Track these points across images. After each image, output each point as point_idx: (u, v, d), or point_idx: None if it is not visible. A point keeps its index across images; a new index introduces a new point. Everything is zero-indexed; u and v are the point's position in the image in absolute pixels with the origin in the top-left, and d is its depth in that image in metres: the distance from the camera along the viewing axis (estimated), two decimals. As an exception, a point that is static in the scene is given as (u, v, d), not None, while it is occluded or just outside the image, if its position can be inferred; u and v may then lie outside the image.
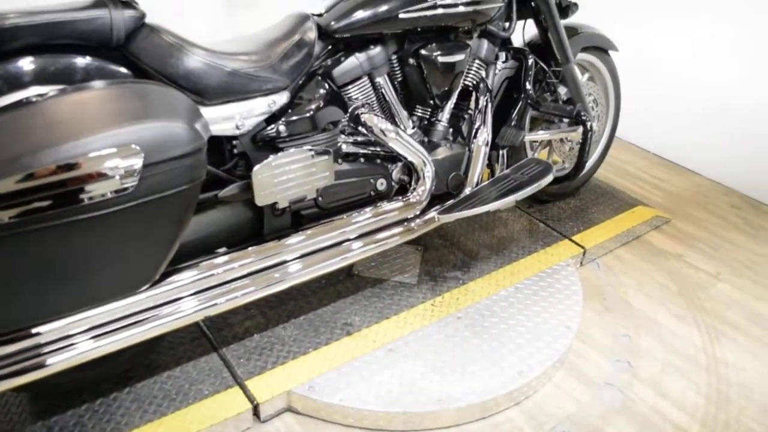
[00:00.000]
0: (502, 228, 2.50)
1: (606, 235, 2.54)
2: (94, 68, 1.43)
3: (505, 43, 2.23)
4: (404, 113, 1.97)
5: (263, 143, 1.66)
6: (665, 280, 2.42)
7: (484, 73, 2.12)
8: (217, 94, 1.54)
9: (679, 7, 3.19)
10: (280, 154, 1.64)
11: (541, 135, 2.37)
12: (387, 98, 1.92)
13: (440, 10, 1.83)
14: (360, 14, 1.77)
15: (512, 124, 2.23)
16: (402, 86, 1.98)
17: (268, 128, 1.66)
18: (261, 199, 1.63)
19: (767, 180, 3.02)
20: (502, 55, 2.19)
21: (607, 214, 2.69)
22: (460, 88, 2.04)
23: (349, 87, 1.85)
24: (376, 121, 1.82)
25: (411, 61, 1.90)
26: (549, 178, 2.08)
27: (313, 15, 1.81)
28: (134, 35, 1.44)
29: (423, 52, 1.88)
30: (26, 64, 1.35)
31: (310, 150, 1.68)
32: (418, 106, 2.03)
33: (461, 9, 1.86)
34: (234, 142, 1.64)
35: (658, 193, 3.03)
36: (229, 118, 1.58)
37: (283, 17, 1.81)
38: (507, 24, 2.14)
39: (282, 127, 1.68)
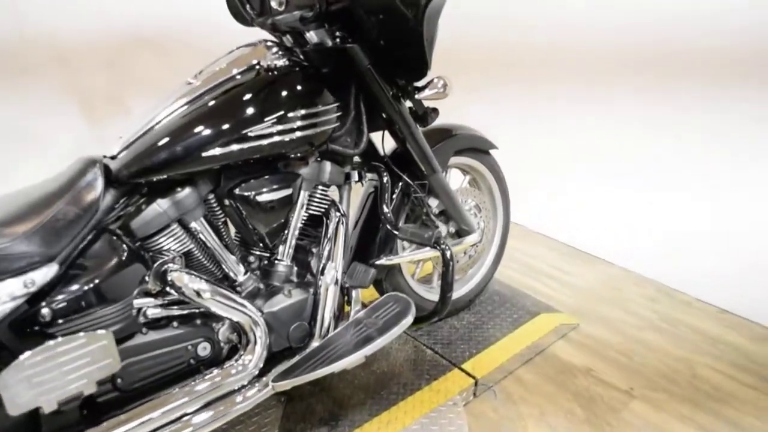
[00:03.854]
0: (382, 360, 2.20)
1: (504, 356, 2.26)
2: None
3: (367, 158, 1.98)
4: (232, 258, 1.67)
5: (25, 332, 1.34)
6: (571, 404, 2.13)
7: (335, 197, 1.86)
8: None
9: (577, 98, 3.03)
10: (39, 348, 1.31)
11: (395, 259, 2.07)
12: (207, 244, 1.62)
13: (250, 143, 1.55)
14: (154, 157, 1.49)
15: (367, 256, 1.96)
16: (227, 225, 1.69)
17: (29, 311, 1.34)
18: (14, 408, 1.29)
19: (682, 265, 2.81)
20: (356, 173, 1.93)
21: (505, 328, 2.41)
22: (300, 220, 1.76)
23: (154, 239, 1.55)
24: (186, 280, 1.52)
25: (227, 201, 1.62)
26: (407, 321, 1.79)
27: (106, 157, 1.53)
28: None
29: (237, 191, 1.60)
30: None
31: (85, 335, 1.35)
32: (251, 247, 1.74)
33: (277, 139, 1.59)
34: None
35: (565, 291, 2.77)
36: None
37: (71, 163, 1.52)
38: (357, 138, 1.88)
39: (46, 310, 1.36)
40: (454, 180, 2.34)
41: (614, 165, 3.06)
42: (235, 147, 1.53)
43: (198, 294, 1.52)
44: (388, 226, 1.90)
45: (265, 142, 1.57)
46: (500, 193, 2.44)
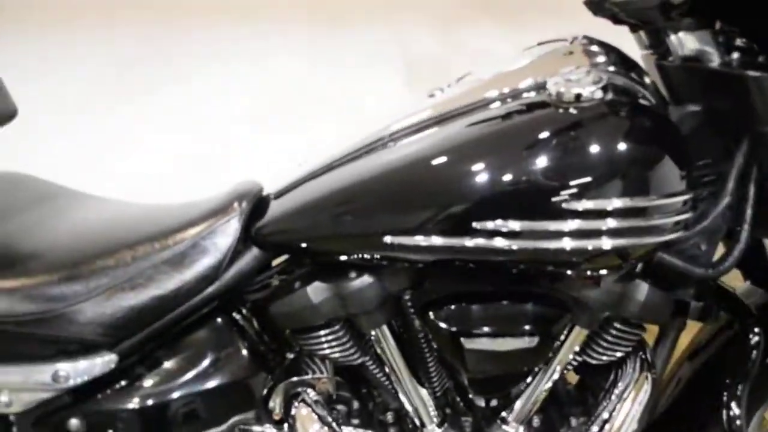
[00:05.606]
0: None
1: None
2: None
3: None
4: (423, 395, 0.99)
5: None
6: None
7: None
8: None
9: None
10: None
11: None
12: (386, 367, 0.97)
13: (487, 242, 0.81)
14: (312, 217, 0.89)
15: None
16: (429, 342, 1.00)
17: (58, 414, 0.89)
18: None
19: None
20: (698, 307, 1.01)
21: None
22: (558, 371, 0.98)
23: (301, 336, 0.95)
24: (313, 429, 0.91)
25: (418, 324, 0.92)
26: None
27: (269, 195, 0.97)
28: None
29: (435, 317, 0.89)
30: None
31: None
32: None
33: (547, 245, 0.80)
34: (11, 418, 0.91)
35: None
36: None
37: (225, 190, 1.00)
38: (724, 247, 0.97)
39: (75, 422, 0.89)
40: None
41: None
42: (452, 241, 0.81)
43: None
44: None
45: (520, 244, 0.81)
46: None
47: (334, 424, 0.93)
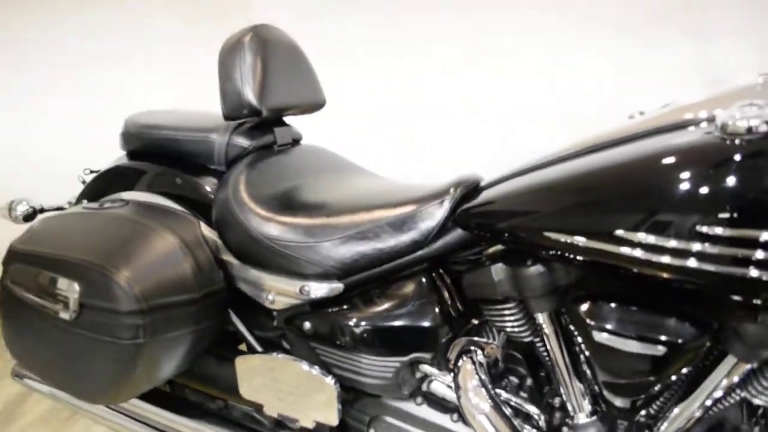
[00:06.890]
0: None
1: None
2: None
3: None
4: (577, 387, 1.10)
5: (294, 331, 1.27)
6: None
7: None
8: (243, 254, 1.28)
9: None
10: (273, 355, 1.27)
11: None
12: (548, 351, 1.11)
13: (625, 251, 0.88)
14: (500, 206, 1.06)
15: None
16: None
17: (300, 317, 1.25)
18: (245, 392, 1.30)
19: None
20: None
21: None
22: (711, 396, 0.99)
23: (485, 307, 1.15)
24: (471, 384, 1.10)
25: (565, 318, 1.04)
26: None
27: (477, 185, 1.18)
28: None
29: (578, 308, 0.99)
30: None
31: (314, 375, 1.18)
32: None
33: (691, 264, 0.84)
34: (274, 314, 1.31)
35: None
36: (261, 288, 1.27)
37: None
38: None
39: (308, 324, 1.24)
40: None
41: None
42: (593, 244, 0.92)
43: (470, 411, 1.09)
44: None
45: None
46: None
47: (489, 385, 1.11)
